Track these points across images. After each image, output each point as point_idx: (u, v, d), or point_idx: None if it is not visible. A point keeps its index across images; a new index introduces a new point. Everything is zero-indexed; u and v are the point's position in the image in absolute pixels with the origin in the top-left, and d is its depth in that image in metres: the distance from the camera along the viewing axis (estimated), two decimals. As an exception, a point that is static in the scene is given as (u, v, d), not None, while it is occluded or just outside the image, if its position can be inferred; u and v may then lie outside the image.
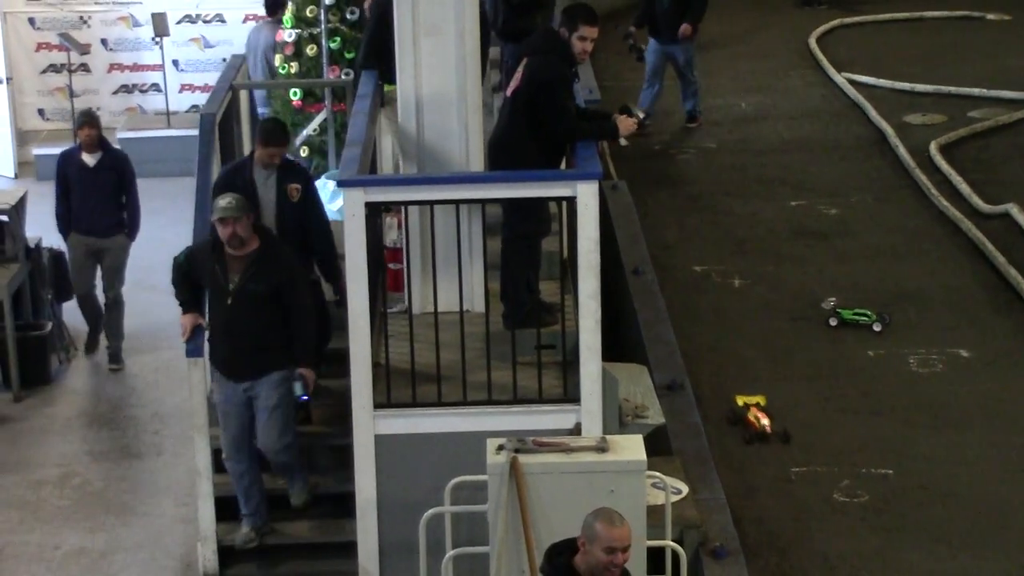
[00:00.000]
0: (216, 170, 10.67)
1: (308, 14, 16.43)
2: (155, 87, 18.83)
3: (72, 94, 18.29)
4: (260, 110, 14.21)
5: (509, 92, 9.64)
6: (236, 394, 9.56)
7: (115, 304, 13.07)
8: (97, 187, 12.81)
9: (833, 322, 12.09)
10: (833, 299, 12.31)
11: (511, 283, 9.55)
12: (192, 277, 9.65)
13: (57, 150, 17.87)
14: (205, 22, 18.99)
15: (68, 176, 12.89)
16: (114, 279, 13.04)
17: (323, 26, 15.76)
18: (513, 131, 9.52)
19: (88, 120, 12.93)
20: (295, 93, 16.43)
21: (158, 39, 18.02)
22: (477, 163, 9.94)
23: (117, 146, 17.67)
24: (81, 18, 18.86)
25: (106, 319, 13.13)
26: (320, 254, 10.13)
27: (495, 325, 9.36)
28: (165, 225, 15.41)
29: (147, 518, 10.75)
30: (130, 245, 13.05)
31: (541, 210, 9.61)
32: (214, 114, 10.85)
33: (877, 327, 11.98)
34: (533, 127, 9.43)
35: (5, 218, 13.02)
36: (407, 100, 9.91)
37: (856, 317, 12.10)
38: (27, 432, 12.11)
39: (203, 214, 10.25)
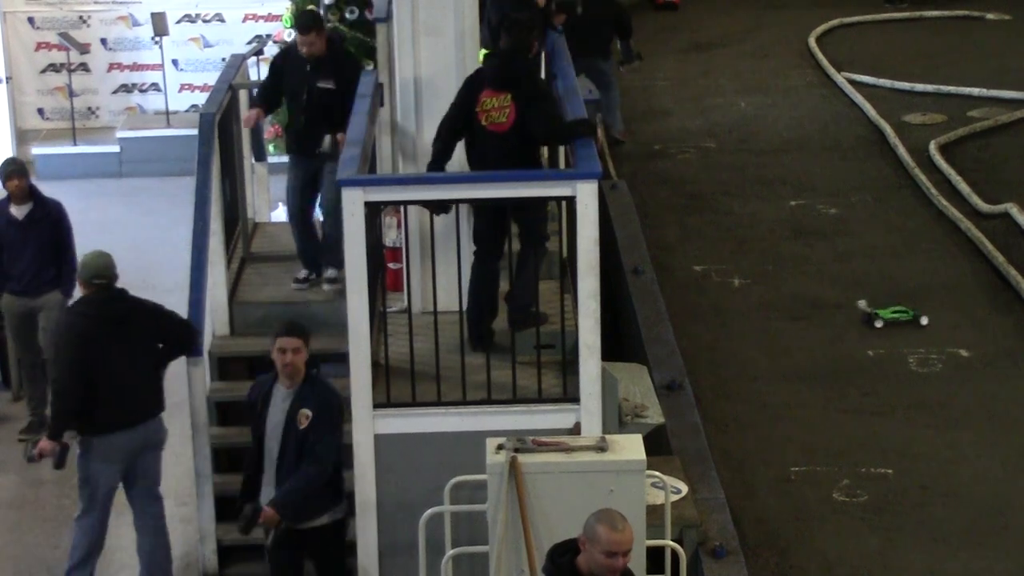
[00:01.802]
0: (216, 170, 10.64)
1: (308, 13, 16.43)
2: (155, 86, 18.83)
3: (72, 93, 18.32)
4: None
5: (502, 129, 9.30)
6: None
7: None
8: (29, 242, 11.73)
9: (879, 324, 12.02)
10: (863, 300, 12.24)
11: (526, 285, 9.44)
12: None
13: (57, 149, 18.05)
14: (205, 21, 19.00)
15: None
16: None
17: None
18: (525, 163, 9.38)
19: (16, 170, 11.80)
20: (295, 92, 16.44)
21: (157, 38, 18.04)
22: (477, 163, 9.93)
23: (114, 147, 17.96)
24: (81, 18, 18.86)
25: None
26: (305, 478, 8.66)
27: (495, 324, 9.36)
28: (165, 225, 15.41)
29: (147, 518, 10.73)
30: (67, 302, 11.70)
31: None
32: (214, 114, 10.82)
33: (924, 320, 11.99)
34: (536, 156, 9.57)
35: (4, 217, 12.96)
36: (407, 100, 9.90)
37: (896, 315, 12.08)
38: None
39: (202, 214, 10.24)
